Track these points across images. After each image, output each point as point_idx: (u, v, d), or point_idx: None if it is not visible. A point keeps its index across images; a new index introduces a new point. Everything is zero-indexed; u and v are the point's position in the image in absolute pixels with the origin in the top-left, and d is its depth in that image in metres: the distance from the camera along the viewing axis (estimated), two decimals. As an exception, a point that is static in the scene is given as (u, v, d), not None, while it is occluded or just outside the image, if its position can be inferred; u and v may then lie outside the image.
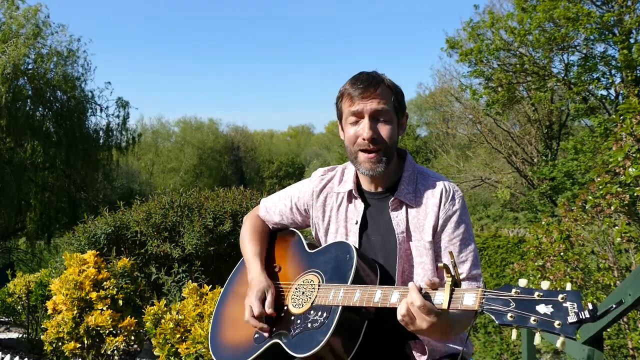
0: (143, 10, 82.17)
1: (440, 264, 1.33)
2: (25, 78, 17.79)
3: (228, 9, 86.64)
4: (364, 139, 1.62)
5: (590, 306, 1.12)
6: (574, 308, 1.14)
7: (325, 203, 1.84)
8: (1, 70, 16.02)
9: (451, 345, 1.69)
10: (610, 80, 15.13)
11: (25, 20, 17.47)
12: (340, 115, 1.73)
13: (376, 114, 1.63)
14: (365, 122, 1.62)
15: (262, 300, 1.68)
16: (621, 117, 4.81)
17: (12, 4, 17.63)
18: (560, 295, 1.17)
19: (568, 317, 1.13)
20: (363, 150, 1.64)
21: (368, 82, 1.64)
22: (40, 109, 18.72)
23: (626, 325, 5.64)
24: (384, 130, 1.63)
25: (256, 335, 1.71)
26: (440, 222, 1.65)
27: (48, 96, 18.67)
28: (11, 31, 17.13)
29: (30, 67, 17.94)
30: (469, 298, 1.29)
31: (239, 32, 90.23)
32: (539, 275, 5.65)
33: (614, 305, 1.21)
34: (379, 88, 1.63)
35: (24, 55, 16.91)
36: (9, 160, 17.31)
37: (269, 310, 1.66)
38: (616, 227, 4.96)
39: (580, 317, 1.12)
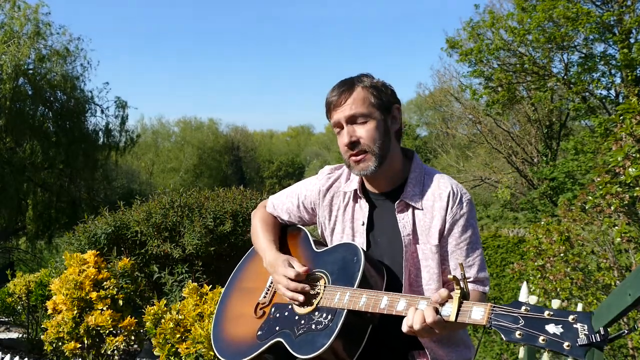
0: (143, 10, 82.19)
1: (450, 276, 1.33)
2: (25, 78, 17.78)
3: (228, 9, 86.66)
4: (345, 145, 1.64)
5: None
6: (584, 330, 1.13)
7: (332, 202, 1.82)
8: (3, 70, 16.02)
9: (456, 353, 1.68)
10: (610, 80, 15.12)
11: (26, 20, 17.45)
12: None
13: (351, 119, 1.64)
14: (344, 130, 1.65)
15: (292, 266, 1.69)
16: (621, 117, 4.81)
17: (14, 4, 17.62)
18: (571, 316, 1.16)
19: (578, 339, 1.12)
20: (350, 156, 1.66)
21: (339, 90, 1.66)
22: (40, 108, 18.71)
23: (626, 326, 5.64)
24: (361, 131, 1.63)
25: (259, 333, 1.70)
26: (447, 225, 1.63)
27: (48, 96, 18.67)
28: (12, 31, 17.12)
29: (30, 67, 17.94)
30: (477, 312, 1.28)
31: (239, 32, 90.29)
32: (539, 275, 5.65)
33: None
34: (349, 92, 1.64)
35: (25, 55, 16.91)
36: (8, 160, 17.31)
37: (301, 269, 1.67)
38: (616, 227, 4.96)
39: (591, 339, 1.10)
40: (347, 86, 1.66)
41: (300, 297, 1.63)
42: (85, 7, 73.33)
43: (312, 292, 1.65)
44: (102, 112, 20.26)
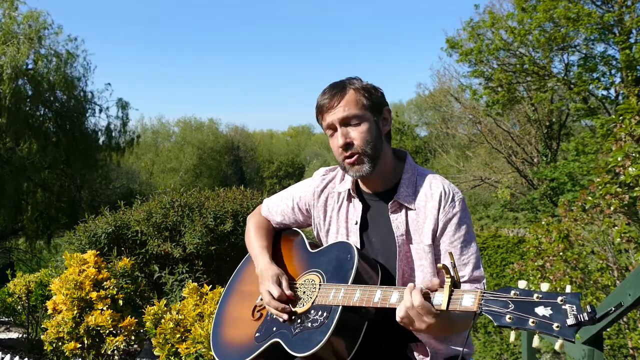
0: (143, 10, 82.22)
1: (439, 265, 1.34)
2: (25, 78, 17.78)
3: (228, 9, 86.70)
4: (339, 147, 1.65)
5: (589, 308, 1.12)
6: (573, 310, 1.14)
7: (327, 203, 1.84)
8: (3, 71, 16.02)
9: (453, 347, 1.69)
10: (610, 81, 15.12)
11: (25, 22, 17.46)
12: (324, 130, 1.76)
13: (345, 121, 1.65)
14: (338, 132, 1.66)
15: (279, 284, 1.70)
16: (620, 118, 4.82)
17: (12, 4, 17.61)
18: (560, 297, 1.17)
19: (567, 320, 1.13)
20: (345, 158, 1.67)
21: (332, 92, 1.67)
22: (40, 108, 18.73)
23: (626, 325, 5.64)
24: (355, 133, 1.64)
25: (257, 334, 1.72)
26: (440, 225, 1.65)
27: (48, 96, 18.68)
28: (10, 32, 17.11)
29: (30, 67, 17.94)
30: (468, 299, 1.30)
31: (239, 32, 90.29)
32: (539, 275, 5.65)
33: (613, 308, 1.21)
34: (342, 95, 1.65)
35: (25, 55, 16.91)
36: (8, 160, 17.31)
37: (287, 291, 1.67)
38: (616, 228, 4.96)
39: (579, 319, 1.12)
40: (338, 89, 1.67)
41: (284, 316, 1.65)
42: (85, 7, 73.42)
43: (304, 295, 1.67)
44: (102, 111, 20.29)
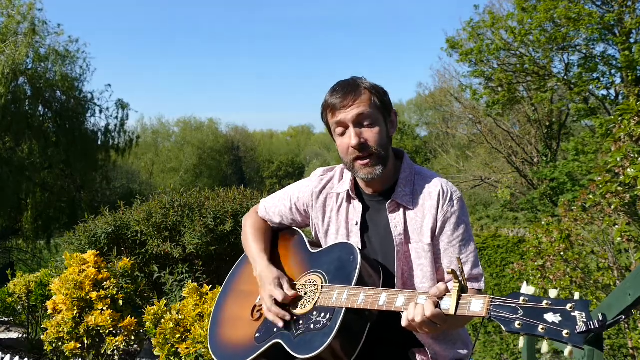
0: (143, 10, 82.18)
1: (448, 270, 1.34)
2: (25, 78, 17.75)
3: (228, 9, 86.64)
4: (353, 147, 1.62)
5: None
6: (582, 317, 1.14)
7: (325, 204, 1.83)
8: (1, 70, 15.98)
9: (454, 350, 1.68)
10: (610, 81, 15.12)
11: (22, 17, 17.40)
12: (328, 128, 1.73)
13: (359, 119, 1.62)
14: (351, 130, 1.62)
15: (281, 287, 1.68)
16: (620, 118, 4.81)
17: (10, 2, 17.56)
18: (569, 304, 1.17)
19: (576, 327, 1.14)
20: (356, 159, 1.64)
21: (345, 90, 1.63)
22: (39, 108, 18.70)
23: (626, 325, 5.64)
24: (370, 134, 1.62)
25: (257, 335, 1.70)
26: (439, 224, 1.64)
27: (47, 96, 18.65)
28: (8, 30, 17.08)
29: (29, 66, 17.92)
30: (477, 304, 1.30)
31: (240, 32, 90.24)
32: (539, 275, 5.65)
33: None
34: (357, 93, 1.62)
35: (23, 55, 16.87)
36: (7, 160, 17.28)
37: (290, 292, 1.66)
38: (616, 227, 4.96)
39: (589, 326, 1.12)
40: (352, 87, 1.64)
41: (280, 323, 1.62)
42: (85, 7, 73.36)
43: (306, 296, 1.65)
44: (102, 112, 20.25)
